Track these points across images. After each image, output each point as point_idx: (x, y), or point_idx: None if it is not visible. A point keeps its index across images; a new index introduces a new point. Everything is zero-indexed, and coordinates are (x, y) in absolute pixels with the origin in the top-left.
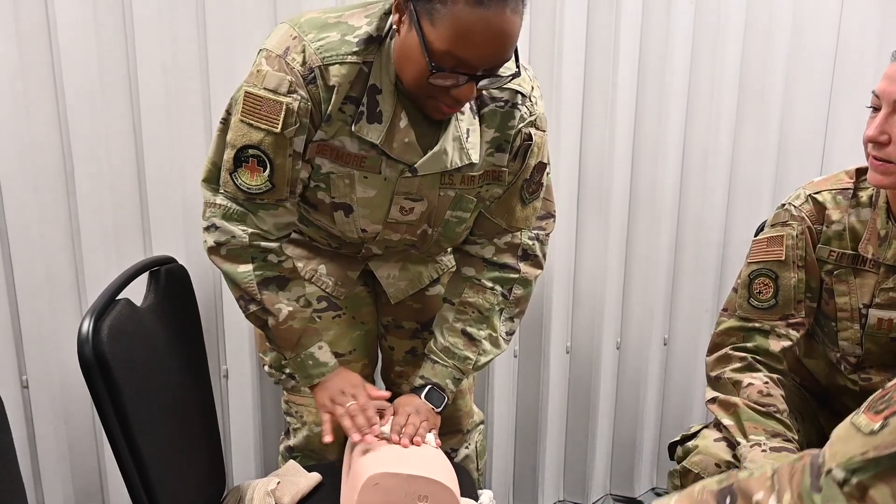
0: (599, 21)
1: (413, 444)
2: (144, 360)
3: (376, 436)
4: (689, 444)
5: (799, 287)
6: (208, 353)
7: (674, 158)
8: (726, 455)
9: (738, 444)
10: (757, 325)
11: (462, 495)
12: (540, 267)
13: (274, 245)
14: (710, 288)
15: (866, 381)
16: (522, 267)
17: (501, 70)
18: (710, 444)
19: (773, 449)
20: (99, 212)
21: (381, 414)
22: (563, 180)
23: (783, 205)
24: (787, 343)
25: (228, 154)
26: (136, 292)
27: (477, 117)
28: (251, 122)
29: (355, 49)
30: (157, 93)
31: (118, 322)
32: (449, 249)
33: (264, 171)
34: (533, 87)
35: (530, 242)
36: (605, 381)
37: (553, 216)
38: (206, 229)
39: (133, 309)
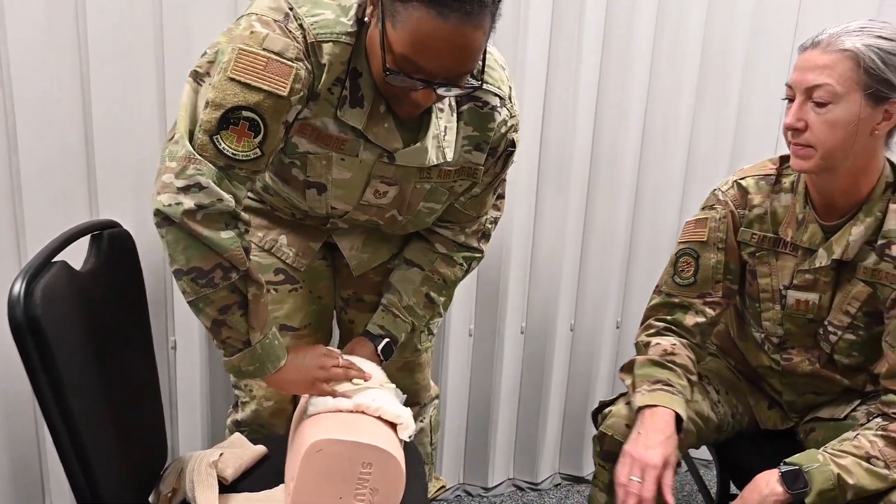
0: None
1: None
2: (81, 326)
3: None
4: (606, 409)
5: (717, 268)
6: (156, 324)
7: (634, 139)
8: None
9: (633, 399)
10: (677, 300)
11: (412, 471)
12: (488, 242)
13: (245, 217)
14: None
15: (788, 360)
16: (482, 245)
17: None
18: (621, 408)
19: (648, 391)
20: (43, 173)
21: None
22: (525, 158)
23: (714, 190)
24: (700, 319)
25: (211, 114)
26: (78, 258)
27: (455, 115)
28: (249, 81)
29: (349, 30)
30: (106, 49)
31: (53, 285)
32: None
33: (255, 137)
34: (511, 88)
35: (490, 225)
36: (558, 362)
37: (503, 196)
38: (184, 189)
39: (71, 272)
